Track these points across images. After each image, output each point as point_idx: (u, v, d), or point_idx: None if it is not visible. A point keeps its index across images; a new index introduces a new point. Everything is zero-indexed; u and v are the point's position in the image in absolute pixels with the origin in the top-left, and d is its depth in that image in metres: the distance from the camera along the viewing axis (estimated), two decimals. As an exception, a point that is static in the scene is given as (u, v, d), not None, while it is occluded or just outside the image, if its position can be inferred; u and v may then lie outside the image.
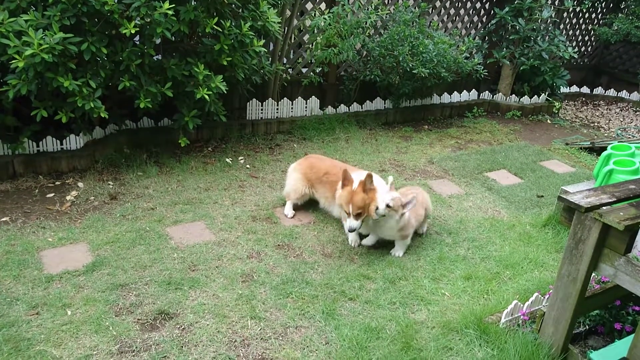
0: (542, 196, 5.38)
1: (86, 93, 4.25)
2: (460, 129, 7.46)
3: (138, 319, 3.09)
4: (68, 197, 4.42)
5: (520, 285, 3.74)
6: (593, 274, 2.97)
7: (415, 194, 4.01)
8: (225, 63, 4.91)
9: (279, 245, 4.05)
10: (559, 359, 2.87)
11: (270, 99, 6.35)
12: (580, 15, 10.09)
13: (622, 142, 6.24)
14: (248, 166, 5.43)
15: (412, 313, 3.39)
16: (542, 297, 3.30)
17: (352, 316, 3.29)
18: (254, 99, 6.24)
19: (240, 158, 5.59)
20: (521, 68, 8.13)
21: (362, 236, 4.21)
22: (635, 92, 10.05)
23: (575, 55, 8.17)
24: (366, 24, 6.53)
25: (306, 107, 6.71)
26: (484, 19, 8.48)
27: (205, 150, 5.67)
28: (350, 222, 3.86)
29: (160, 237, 3.98)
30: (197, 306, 3.24)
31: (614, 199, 2.69)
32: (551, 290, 2.96)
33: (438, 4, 7.85)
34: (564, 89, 9.71)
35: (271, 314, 3.25)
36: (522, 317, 3.21)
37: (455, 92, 8.09)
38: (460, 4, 8.11)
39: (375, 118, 7.19)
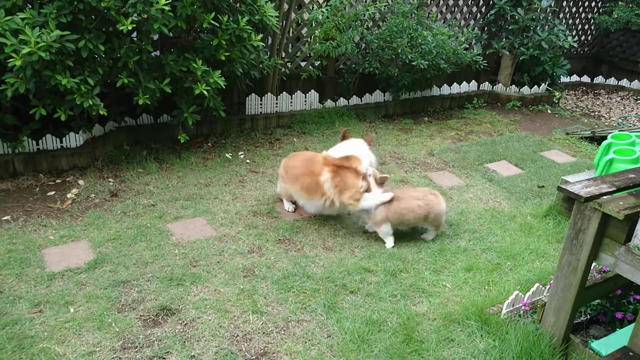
0: (543, 186, 5.37)
1: (84, 90, 4.24)
2: (460, 120, 7.44)
3: (140, 315, 3.11)
4: (69, 195, 4.43)
5: (521, 276, 3.74)
6: (594, 264, 2.97)
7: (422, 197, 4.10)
8: (223, 58, 4.89)
9: (279, 239, 4.06)
10: (560, 349, 2.88)
11: (269, 93, 6.33)
12: (580, 3, 10.03)
13: (622, 131, 6.22)
14: (248, 161, 5.43)
15: (414, 305, 3.39)
16: (543, 288, 3.30)
17: (353, 309, 3.30)
18: (253, 94, 6.23)
19: (240, 153, 5.59)
20: (521, 58, 8.09)
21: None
22: (636, 80, 10.01)
23: (575, 45, 8.14)
24: (364, 16, 6.50)
25: (305, 101, 6.69)
26: (483, 10, 8.43)
27: (205, 145, 5.67)
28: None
29: (162, 233, 3.98)
30: (199, 301, 3.25)
31: (614, 189, 2.69)
32: (552, 281, 2.96)
33: (436, -6, 7.81)
34: (564, 79, 9.67)
35: (273, 308, 3.26)
36: (523, 307, 3.21)
37: (454, 83, 8.06)
38: (458, -6, 8.07)
39: (375, 111, 7.18)
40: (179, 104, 5.07)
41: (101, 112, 4.41)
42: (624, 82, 10.12)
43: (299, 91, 6.61)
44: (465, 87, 8.24)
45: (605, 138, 5.07)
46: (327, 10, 6.05)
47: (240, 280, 3.50)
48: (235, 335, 3.01)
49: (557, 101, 8.56)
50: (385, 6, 6.83)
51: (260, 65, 5.72)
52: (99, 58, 4.42)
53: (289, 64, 6.70)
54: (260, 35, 5.18)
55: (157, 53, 5.02)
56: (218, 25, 4.75)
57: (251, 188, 4.86)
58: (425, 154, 6.05)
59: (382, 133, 6.60)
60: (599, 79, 10.33)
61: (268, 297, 3.36)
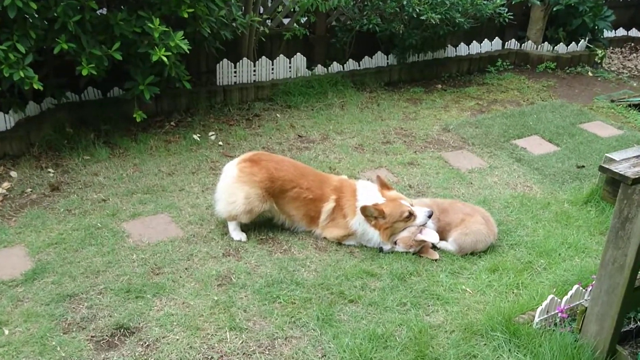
0: (583, 166, 5.40)
1: (14, 60, 4.20)
2: (481, 87, 7.45)
3: (92, 336, 3.11)
4: (-1, 190, 4.42)
5: (557, 277, 3.78)
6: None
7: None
8: (186, 15, 4.86)
9: (261, 239, 4.07)
10: (605, 363, 2.92)
11: (245, 58, 6.31)
12: (627, -61, 10.01)
13: (679, 96, 6.26)
14: (221, 143, 5.43)
15: (427, 315, 3.42)
16: (584, 290, 3.33)
17: (353, 322, 3.32)
18: (225, 60, 6.20)
19: (210, 133, 5.58)
20: (555, 9, 8.08)
21: None
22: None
23: (621, -10, 8.13)
24: (361, -40, 6.46)
25: (290, 67, 6.68)
26: (508, -51, 8.40)
27: (167, 125, 5.66)
28: None
29: (115, 234, 3.98)
30: (163, 317, 3.26)
31: (668, 168, 2.70)
32: (594, 281, 2.98)
33: None
34: (607, 33, 9.66)
35: (254, 324, 3.27)
36: (559, 314, 3.25)
37: (474, 41, 8.06)
38: None
39: (376, 77, 7.17)
40: (133, 74, 5.04)
41: (35, 87, 4.37)
42: (682, 36, 10.12)
43: (281, 55, 6.59)
44: (487, 46, 8.23)
45: (658, 105, 5.10)
46: (314, -47, 6.01)
47: (214, 290, 3.51)
48: (209, 357, 3.02)
49: (599, 61, 8.57)
50: (386, -53, 6.78)
51: (233, 24, 5.68)
52: (31, 19, 4.37)
53: (268, 22, 6.66)
54: (232, -13, 5.15)
55: (104, 11, 4.97)
56: (179, -26, 4.71)
57: (225, 176, 4.86)
58: (438, 130, 6.06)
59: (386, 105, 6.60)
60: (651, 33, 10.34)
61: (248, 310, 3.37)
